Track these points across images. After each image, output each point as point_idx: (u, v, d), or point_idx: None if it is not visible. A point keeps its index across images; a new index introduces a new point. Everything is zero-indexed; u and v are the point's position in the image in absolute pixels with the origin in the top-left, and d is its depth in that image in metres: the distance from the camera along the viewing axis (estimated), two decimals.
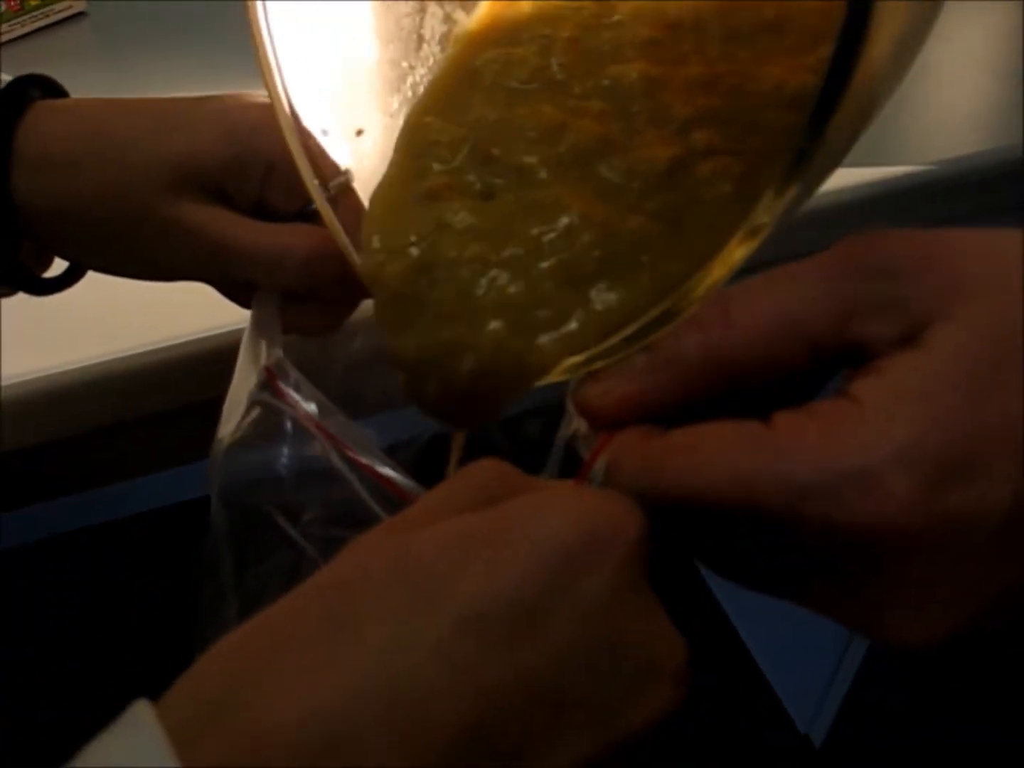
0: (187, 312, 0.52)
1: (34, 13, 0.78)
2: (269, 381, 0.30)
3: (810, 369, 0.27)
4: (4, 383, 0.50)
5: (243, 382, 0.31)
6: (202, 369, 0.53)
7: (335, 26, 0.35)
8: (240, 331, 0.52)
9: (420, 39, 0.36)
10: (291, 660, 0.22)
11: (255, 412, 0.30)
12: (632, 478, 0.27)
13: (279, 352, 0.30)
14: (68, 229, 0.38)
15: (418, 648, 0.22)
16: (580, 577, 0.23)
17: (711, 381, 0.27)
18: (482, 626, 0.22)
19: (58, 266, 0.43)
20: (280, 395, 0.30)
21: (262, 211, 0.38)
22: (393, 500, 0.29)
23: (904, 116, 0.68)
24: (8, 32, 0.77)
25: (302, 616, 0.23)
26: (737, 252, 0.24)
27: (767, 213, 0.23)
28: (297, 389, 0.30)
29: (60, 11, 0.80)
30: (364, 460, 0.30)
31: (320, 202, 0.32)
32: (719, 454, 0.25)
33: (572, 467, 0.30)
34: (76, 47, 0.80)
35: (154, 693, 0.22)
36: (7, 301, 0.46)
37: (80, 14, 0.81)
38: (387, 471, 0.30)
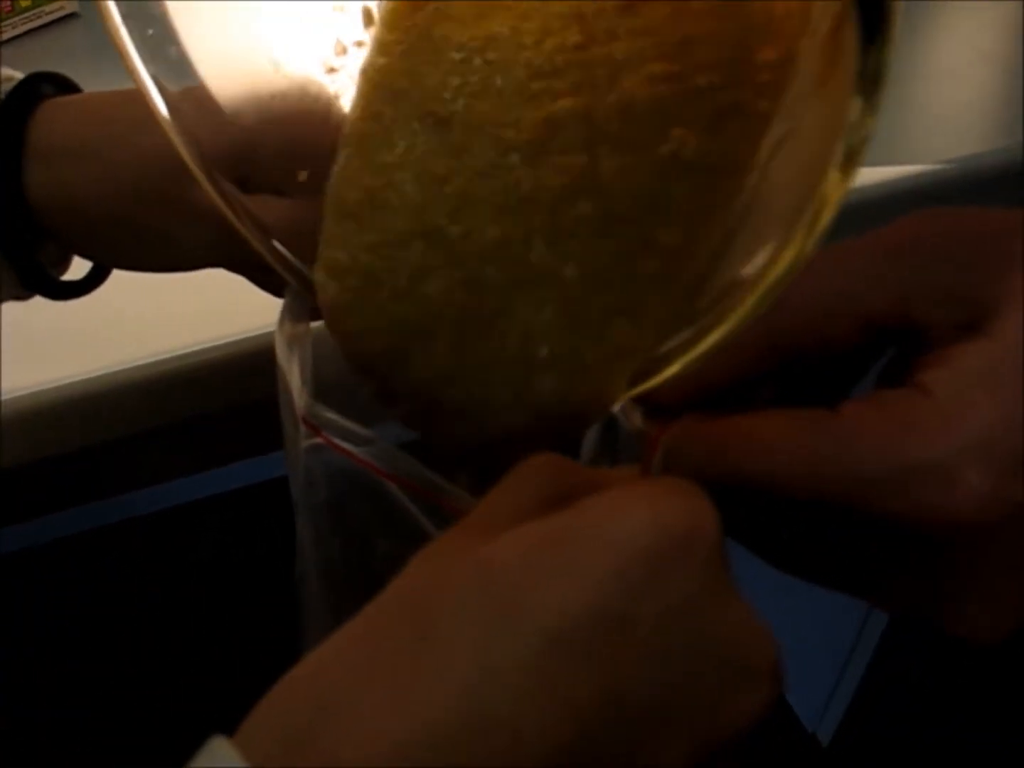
0: (182, 325, 0.51)
1: (26, 14, 0.77)
2: (311, 431, 0.30)
3: (863, 348, 0.26)
4: (3, 397, 0.49)
5: (286, 393, 0.31)
6: (203, 382, 0.52)
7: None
8: (239, 342, 0.52)
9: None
10: (374, 689, 0.21)
11: (311, 459, 0.30)
12: (694, 462, 0.26)
13: (309, 399, 0.30)
14: (84, 221, 0.37)
15: (505, 668, 0.21)
16: (665, 579, 0.22)
17: (764, 359, 0.27)
18: (570, 639, 0.21)
19: (78, 270, 0.42)
20: (322, 437, 0.30)
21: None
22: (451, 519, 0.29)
23: (909, 115, 0.67)
24: None
25: (381, 638, 0.22)
26: (844, 186, 0.22)
27: (860, 130, 0.21)
28: (334, 428, 0.29)
29: (52, 12, 0.78)
30: (414, 482, 0.29)
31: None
32: (785, 438, 0.25)
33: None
34: (68, 48, 0.79)
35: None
36: (6, 315, 0.45)
37: (72, 15, 0.79)
38: (440, 489, 0.29)
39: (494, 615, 0.21)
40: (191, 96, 0.32)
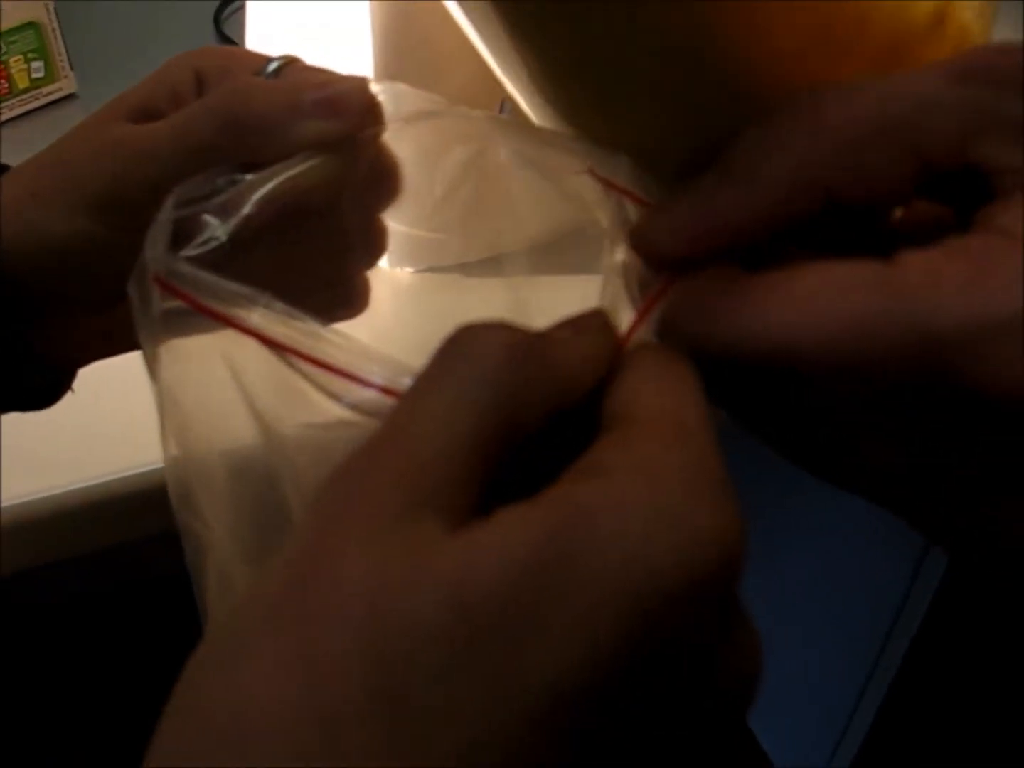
0: None
1: (23, 96, 0.79)
2: (168, 293, 0.24)
3: (915, 193, 0.22)
4: (4, 504, 0.48)
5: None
6: None
7: None
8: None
9: None
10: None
11: (172, 335, 0.25)
12: (709, 327, 0.22)
13: (165, 251, 0.25)
14: (19, 209, 0.33)
15: (487, 749, 0.17)
16: (684, 629, 0.18)
17: (798, 198, 0.22)
18: (568, 709, 0.17)
19: None
20: (184, 299, 0.24)
21: None
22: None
23: None
24: None
25: (325, 675, 0.17)
26: None
27: None
28: (201, 287, 0.24)
29: (50, 93, 0.81)
30: (321, 356, 0.23)
31: None
32: (833, 296, 0.20)
33: None
34: (67, 129, 0.81)
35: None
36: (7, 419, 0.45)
37: (70, 96, 0.81)
38: (360, 359, 0.23)
39: (476, 682, 0.17)
40: None
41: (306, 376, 0.24)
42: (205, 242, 0.27)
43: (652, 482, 0.19)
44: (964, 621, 0.83)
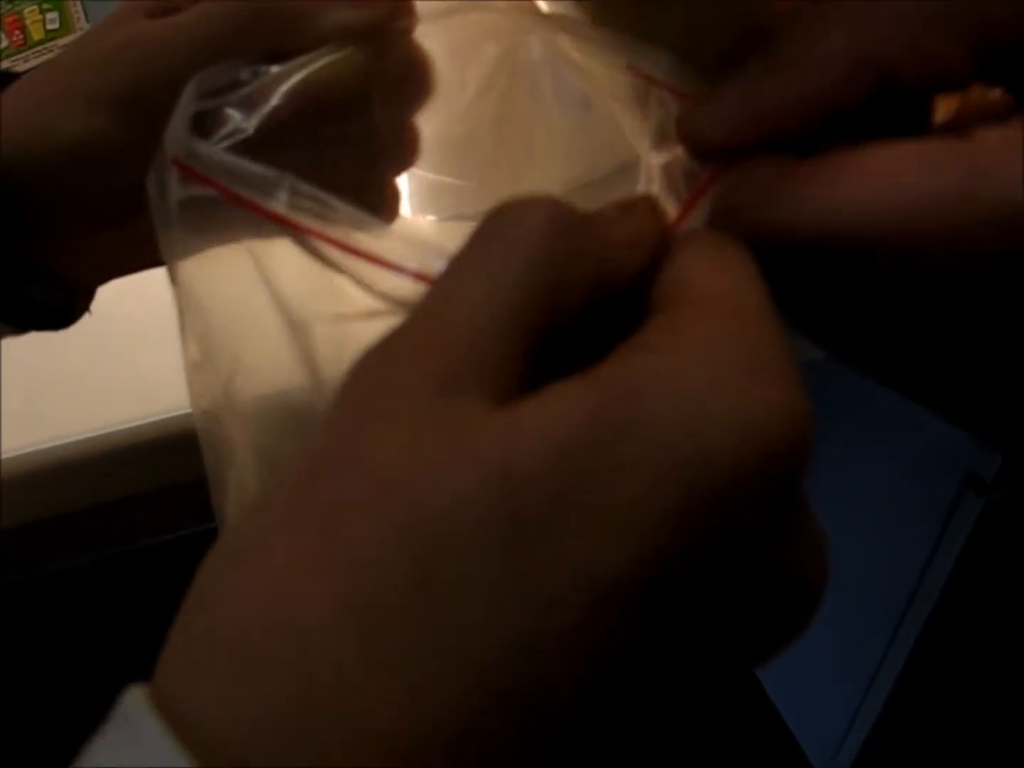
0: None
1: (37, 48, 0.78)
2: (188, 177, 0.23)
3: (975, 76, 0.21)
4: (4, 456, 0.48)
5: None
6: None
7: None
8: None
9: None
10: (370, 673, 0.16)
11: (192, 223, 0.23)
12: (774, 209, 0.20)
13: (186, 132, 0.23)
14: (31, 111, 0.32)
15: (529, 640, 0.16)
16: (746, 515, 0.17)
17: (856, 79, 0.21)
18: (620, 603, 0.16)
19: None
20: (207, 183, 0.22)
21: None
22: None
23: None
24: (11, 67, 0.78)
25: (373, 582, 0.16)
26: None
27: None
28: (223, 170, 0.22)
29: (65, 45, 0.80)
30: (332, 236, 0.22)
31: None
32: (910, 172, 0.19)
33: None
34: None
35: None
36: (7, 372, 0.44)
37: None
38: (366, 242, 0.21)
39: (520, 570, 0.16)
40: None
41: (335, 264, 0.22)
42: (230, 134, 0.26)
43: (705, 360, 0.17)
44: (988, 585, 0.82)
